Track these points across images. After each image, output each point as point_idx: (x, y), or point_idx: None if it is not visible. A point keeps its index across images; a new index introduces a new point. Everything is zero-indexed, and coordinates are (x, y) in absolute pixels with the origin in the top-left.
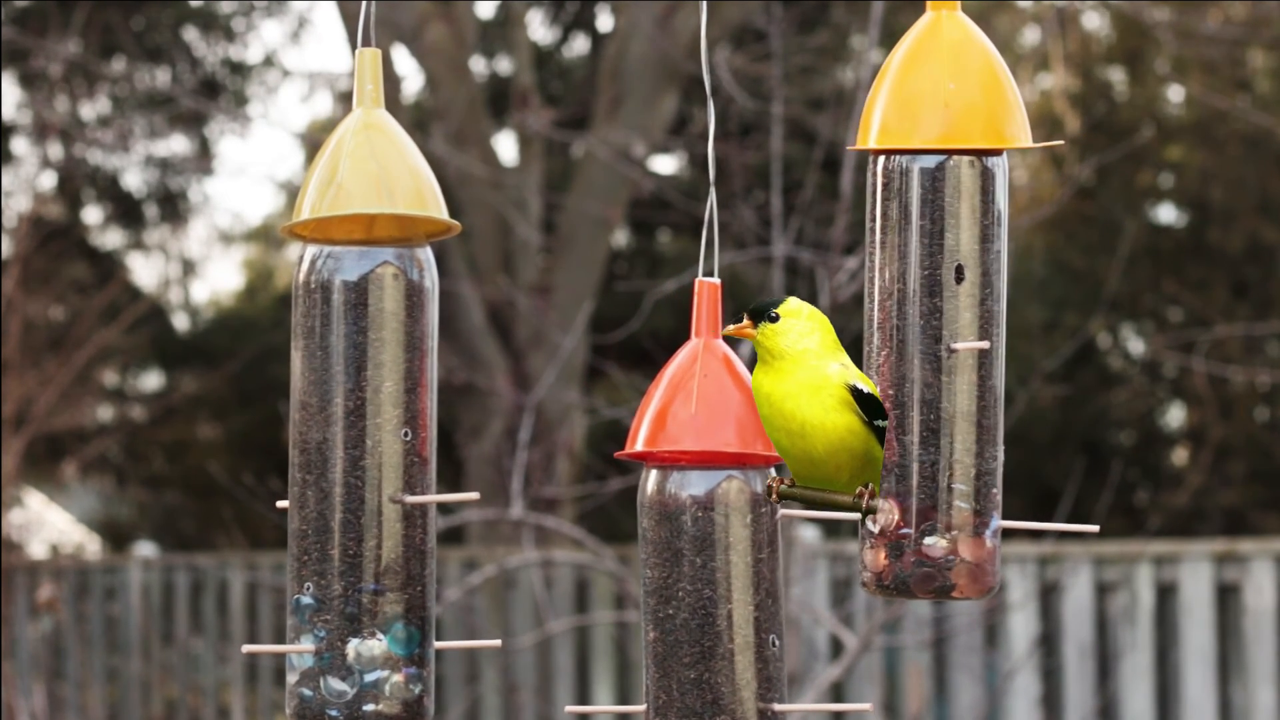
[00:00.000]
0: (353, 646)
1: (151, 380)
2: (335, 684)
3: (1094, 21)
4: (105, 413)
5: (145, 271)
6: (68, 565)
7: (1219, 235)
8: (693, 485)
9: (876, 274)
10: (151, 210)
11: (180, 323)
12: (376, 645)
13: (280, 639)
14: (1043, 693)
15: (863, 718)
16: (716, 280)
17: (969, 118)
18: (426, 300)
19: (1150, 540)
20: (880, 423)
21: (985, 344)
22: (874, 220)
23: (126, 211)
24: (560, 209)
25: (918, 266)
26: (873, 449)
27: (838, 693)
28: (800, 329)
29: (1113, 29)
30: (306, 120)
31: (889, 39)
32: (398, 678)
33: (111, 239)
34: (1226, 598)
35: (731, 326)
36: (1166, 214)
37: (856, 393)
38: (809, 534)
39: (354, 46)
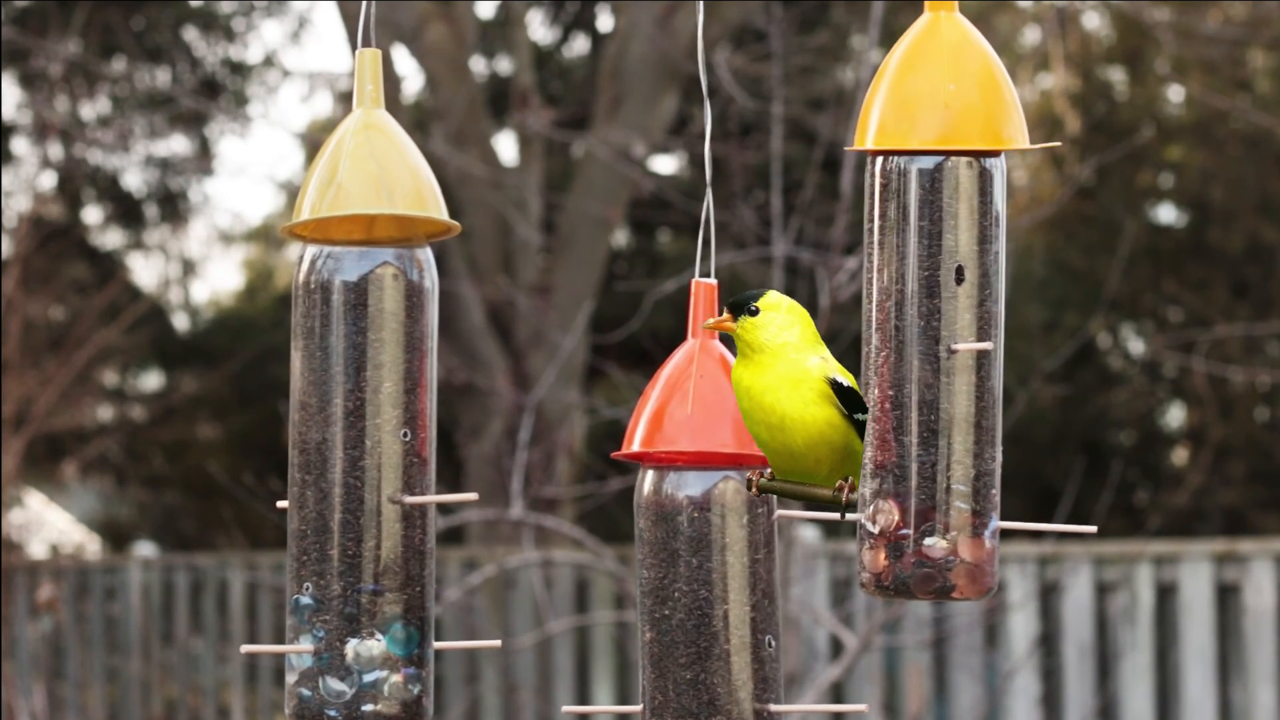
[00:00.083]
0: (351, 647)
1: (151, 380)
2: (334, 684)
3: (1094, 21)
4: (105, 413)
5: (145, 271)
6: (68, 565)
7: (1219, 235)
8: (689, 486)
9: (875, 275)
10: (151, 210)
11: (180, 323)
12: (375, 645)
13: (280, 639)
14: (1043, 693)
15: (860, 718)
16: (713, 281)
17: (967, 119)
18: (426, 300)
19: (1150, 540)
20: (860, 416)
21: (987, 345)
22: (872, 221)
23: (126, 211)
24: (560, 209)
25: (917, 267)
26: (852, 442)
27: (838, 693)
28: (780, 322)
29: (1113, 29)
30: (306, 120)
31: (889, 39)
32: (396, 678)
33: (111, 239)
34: (1226, 598)
35: (711, 320)
36: (1166, 214)
37: (836, 386)
38: (809, 534)
39: (354, 46)
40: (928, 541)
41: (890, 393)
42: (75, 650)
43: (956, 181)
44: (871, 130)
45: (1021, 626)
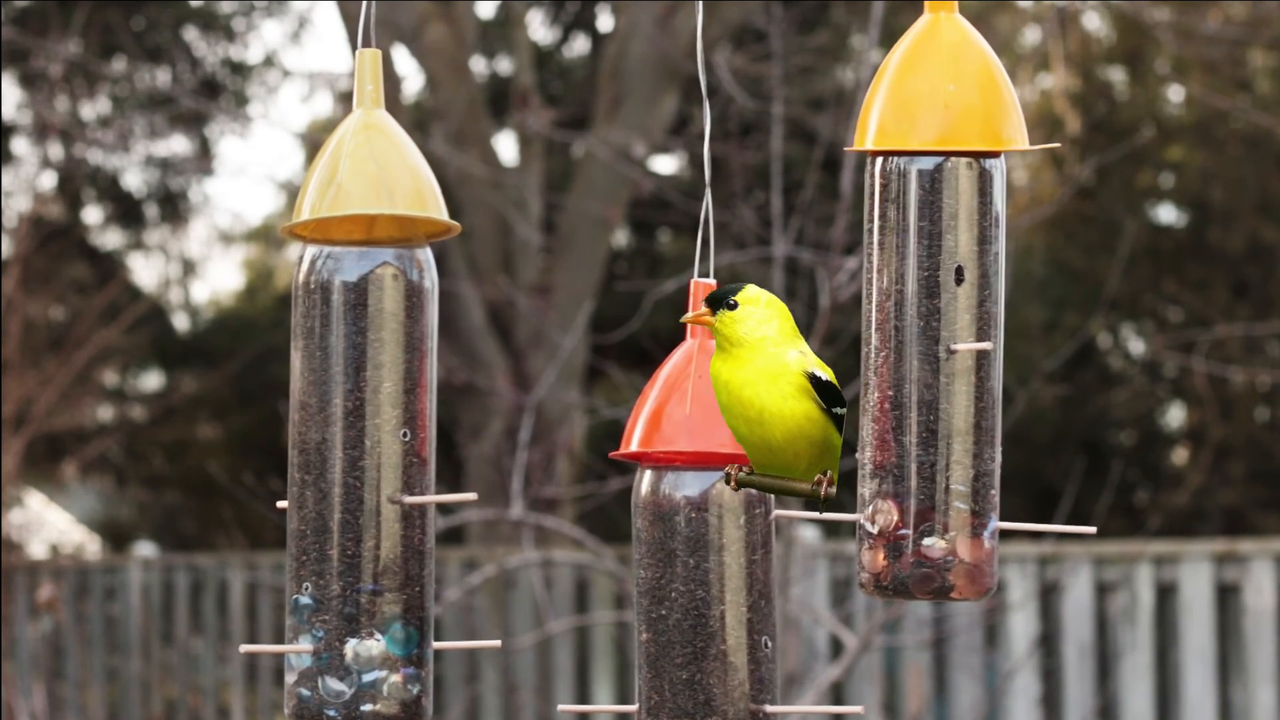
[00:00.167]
0: (351, 647)
1: (151, 380)
2: (333, 684)
3: (1094, 21)
4: (105, 413)
5: (145, 271)
6: (68, 565)
7: (1219, 235)
8: (687, 486)
9: (875, 275)
10: (151, 210)
11: (180, 323)
12: (374, 645)
13: (280, 639)
14: (1043, 693)
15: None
16: (712, 281)
17: (967, 119)
18: (426, 301)
19: (1150, 540)
20: (838, 410)
21: (987, 345)
22: (872, 221)
23: (126, 211)
24: (560, 209)
25: (916, 268)
26: (831, 436)
27: (838, 693)
28: (759, 316)
29: (1113, 29)
30: (306, 120)
31: (889, 39)
32: (396, 678)
33: (111, 239)
34: (1226, 598)
35: (690, 315)
36: (1166, 214)
37: (815, 380)
38: (809, 534)
39: (354, 47)
40: (926, 542)
41: (890, 393)
42: (75, 650)
43: (956, 182)
44: (871, 131)
45: (1021, 626)
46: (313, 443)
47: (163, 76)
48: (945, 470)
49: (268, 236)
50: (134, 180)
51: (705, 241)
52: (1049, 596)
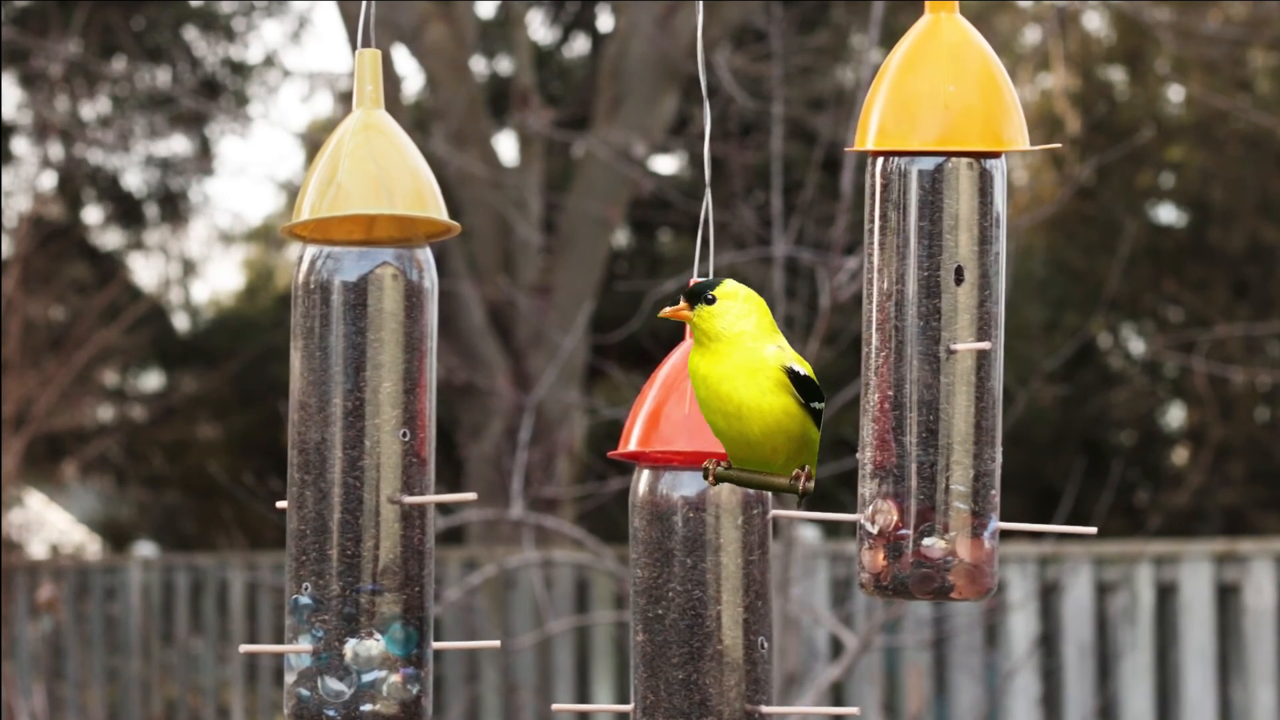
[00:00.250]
0: (350, 647)
1: (151, 380)
2: (333, 684)
3: (1094, 21)
4: (105, 413)
5: (145, 271)
6: (68, 565)
7: (1219, 235)
8: (684, 486)
9: (875, 275)
10: (151, 210)
11: (180, 323)
12: (374, 645)
13: (280, 639)
14: (1043, 693)
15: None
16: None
17: (967, 120)
18: (426, 301)
19: (1150, 540)
20: (816, 405)
21: (987, 345)
22: (872, 222)
23: (126, 211)
24: (560, 209)
25: (916, 268)
26: (809, 431)
27: (838, 693)
28: (737, 311)
29: (1113, 29)
30: (306, 120)
31: (889, 39)
32: (395, 678)
33: (111, 239)
34: (1226, 598)
35: (668, 309)
36: (1166, 214)
37: (793, 375)
38: (809, 534)
39: (354, 47)
40: (926, 542)
41: (890, 393)
42: (75, 650)
43: (957, 183)
44: (872, 131)
45: (1021, 626)
46: (312, 443)
47: (163, 76)
48: (945, 470)
49: (268, 236)
50: (134, 180)
51: (705, 241)
52: (1049, 596)
